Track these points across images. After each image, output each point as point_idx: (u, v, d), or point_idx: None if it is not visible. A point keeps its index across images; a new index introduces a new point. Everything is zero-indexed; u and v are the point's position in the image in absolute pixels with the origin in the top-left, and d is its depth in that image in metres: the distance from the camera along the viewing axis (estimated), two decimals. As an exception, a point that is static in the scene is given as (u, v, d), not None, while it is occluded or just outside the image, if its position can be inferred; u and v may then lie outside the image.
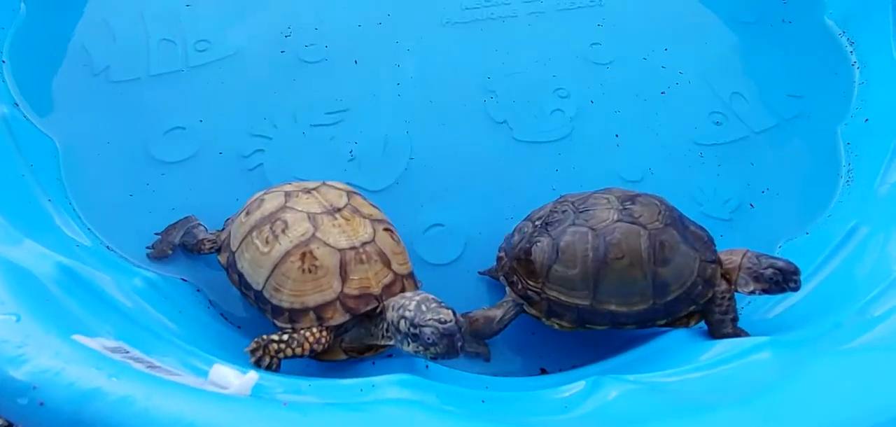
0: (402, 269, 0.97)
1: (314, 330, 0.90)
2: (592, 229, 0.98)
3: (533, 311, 1.02)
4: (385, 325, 0.89)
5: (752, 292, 0.98)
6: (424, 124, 1.36)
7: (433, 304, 0.85)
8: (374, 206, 1.05)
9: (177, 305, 1.00)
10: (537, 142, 1.35)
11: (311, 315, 0.90)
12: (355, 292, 0.91)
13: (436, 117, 1.37)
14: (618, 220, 0.98)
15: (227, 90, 1.38)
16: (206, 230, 1.11)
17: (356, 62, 1.45)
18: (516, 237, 1.07)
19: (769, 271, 0.96)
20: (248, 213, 1.01)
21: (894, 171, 1.21)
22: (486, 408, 0.79)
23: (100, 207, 1.18)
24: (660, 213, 0.99)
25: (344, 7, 1.53)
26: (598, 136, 1.36)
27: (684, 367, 0.83)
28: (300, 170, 1.27)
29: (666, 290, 0.97)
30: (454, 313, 0.84)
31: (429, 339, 0.82)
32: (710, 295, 0.98)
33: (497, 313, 1.04)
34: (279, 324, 0.92)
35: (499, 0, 1.58)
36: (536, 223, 1.05)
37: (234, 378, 0.68)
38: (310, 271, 0.91)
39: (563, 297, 0.99)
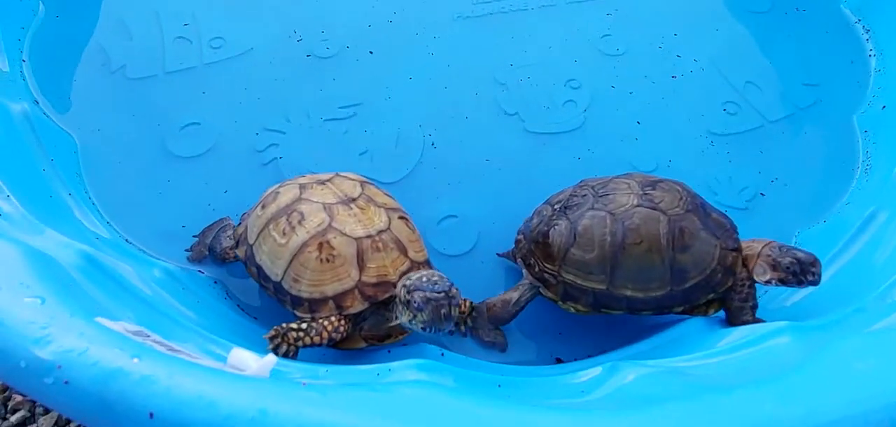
0: (419, 257, 0.98)
1: (332, 319, 0.90)
2: (611, 213, 0.97)
3: (549, 294, 1.02)
4: (396, 300, 0.91)
5: (769, 282, 0.96)
6: (437, 117, 1.36)
7: (435, 277, 0.86)
8: (387, 194, 1.05)
9: (195, 296, 1.01)
10: (549, 133, 1.35)
11: (331, 304, 0.91)
12: (373, 280, 0.91)
13: (448, 110, 1.38)
14: (637, 205, 0.97)
15: (242, 86, 1.39)
16: (232, 237, 1.10)
17: (370, 55, 1.46)
18: (535, 220, 1.08)
19: (787, 260, 0.93)
20: (263, 207, 1.02)
21: (913, 157, 1.20)
22: (502, 392, 0.79)
23: (118, 201, 1.20)
24: (681, 198, 0.98)
25: (356, 3, 1.54)
26: (611, 126, 1.36)
27: (702, 353, 0.83)
28: (314, 163, 1.28)
29: (684, 276, 0.96)
30: (451, 287, 0.85)
31: (417, 303, 0.84)
32: (729, 283, 0.97)
33: (513, 295, 1.04)
34: (299, 314, 0.93)
35: (510, -7, 1.58)
36: (556, 206, 1.05)
37: (252, 361, 0.68)
38: (328, 261, 0.91)
39: (579, 281, 0.98)
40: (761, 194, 1.27)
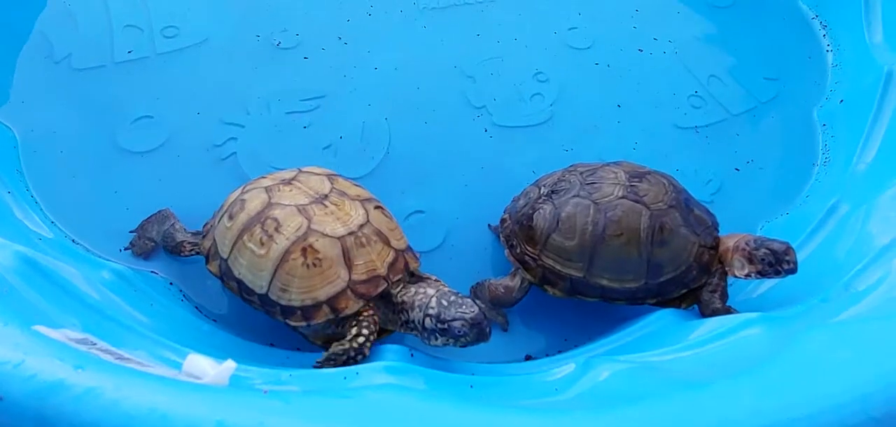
0: (401, 245, 0.96)
1: (364, 321, 0.88)
2: (595, 203, 0.98)
3: (527, 276, 1.02)
4: (406, 321, 0.90)
5: (748, 276, 0.96)
6: (403, 110, 1.33)
7: (453, 298, 0.87)
8: (357, 185, 1.02)
9: (148, 298, 0.95)
10: (517, 127, 1.34)
11: (325, 308, 0.88)
12: (364, 277, 0.89)
13: (414, 103, 1.35)
14: (622, 197, 0.97)
15: (198, 77, 1.33)
16: (185, 230, 1.06)
17: (333, 47, 1.41)
18: (522, 201, 1.07)
19: (762, 252, 0.94)
20: (231, 217, 0.96)
21: (871, 150, 1.22)
22: (474, 393, 0.77)
23: (64, 200, 1.14)
24: (666, 192, 0.99)
25: (317, -8, 1.49)
26: (579, 120, 1.35)
27: (674, 346, 0.83)
28: (275, 159, 1.23)
29: (660, 271, 0.96)
30: (474, 301, 0.87)
31: (459, 331, 0.84)
32: (703, 281, 0.97)
33: (516, 282, 1.03)
34: (292, 323, 0.90)
35: (475, -15, 1.55)
36: (542, 189, 1.05)
37: (209, 368, 0.64)
38: (314, 266, 0.88)
39: (557, 266, 0.99)
40: (739, 167, 1.27)
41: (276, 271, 0.89)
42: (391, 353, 0.86)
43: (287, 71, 1.36)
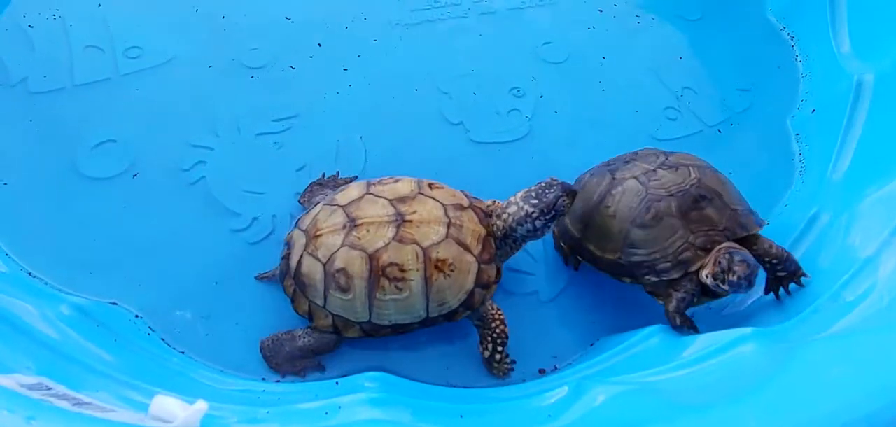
0: (466, 200, 1.01)
1: (492, 310, 0.97)
2: (613, 177, 1.04)
3: (556, 230, 1.12)
4: (515, 240, 0.99)
5: (706, 278, 0.94)
6: (378, 128, 1.30)
7: (532, 191, 0.98)
8: (394, 179, 1.02)
9: (112, 333, 0.89)
10: (495, 142, 1.32)
11: (477, 291, 0.95)
12: (480, 246, 0.97)
13: (389, 121, 1.32)
14: (635, 176, 1.02)
15: (163, 99, 1.28)
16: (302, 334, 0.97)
17: (304, 65, 1.37)
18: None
19: (725, 258, 0.91)
20: (343, 289, 0.93)
21: (845, 159, 1.23)
22: (465, 423, 0.73)
23: (20, 230, 1.08)
24: (681, 183, 0.99)
25: (288, 8, 1.46)
26: (557, 134, 1.34)
27: (667, 365, 0.80)
28: (246, 182, 1.19)
29: (633, 250, 0.98)
30: (552, 180, 0.99)
31: (563, 205, 0.97)
32: (675, 276, 0.96)
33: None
34: (461, 316, 0.96)
35: (448, 0, 1.54)
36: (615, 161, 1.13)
37: (179, 410, 0.59)
38: (452, 271, 0.93)
39: (569, 225, 1.08)
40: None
41: (427, 298, 0.94)
42: (373, 384, 0.81)
43: (257, 90, 1.32)
